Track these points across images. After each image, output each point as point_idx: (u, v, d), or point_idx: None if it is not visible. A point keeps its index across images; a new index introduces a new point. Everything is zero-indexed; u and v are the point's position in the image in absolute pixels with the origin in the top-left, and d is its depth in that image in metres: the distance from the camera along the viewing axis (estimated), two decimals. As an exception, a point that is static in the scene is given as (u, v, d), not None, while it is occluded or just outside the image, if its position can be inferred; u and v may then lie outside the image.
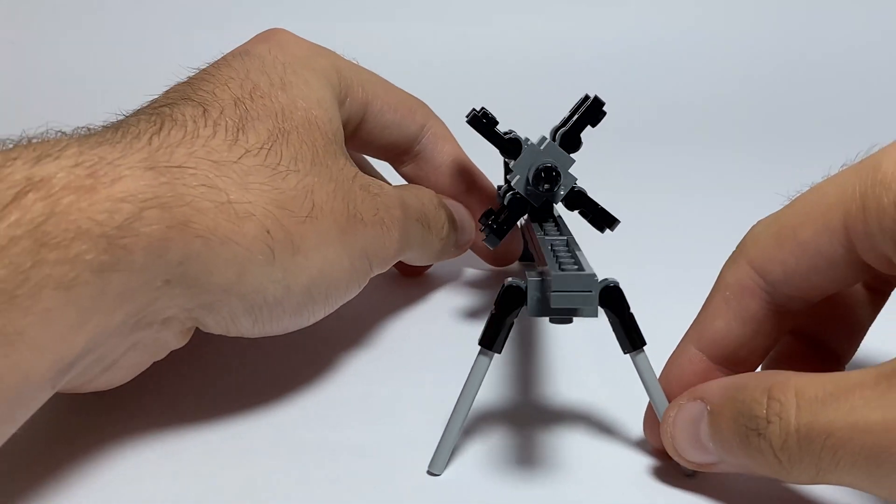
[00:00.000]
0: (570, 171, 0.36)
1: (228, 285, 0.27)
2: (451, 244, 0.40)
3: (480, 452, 0.29)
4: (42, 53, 0.92)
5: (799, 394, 0.26)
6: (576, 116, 0.36)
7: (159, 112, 0.29)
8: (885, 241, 0.25)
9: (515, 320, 0.28)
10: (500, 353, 0.28)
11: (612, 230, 0.38)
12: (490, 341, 0.28)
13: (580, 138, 0.36)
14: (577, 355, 0.36)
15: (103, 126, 0.28)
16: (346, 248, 0.30)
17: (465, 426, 0.30)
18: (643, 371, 0.28)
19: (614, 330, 0.28)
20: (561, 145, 0.36)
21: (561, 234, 0.34)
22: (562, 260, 0.28)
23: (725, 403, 0.27)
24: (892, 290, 0.32)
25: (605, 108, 0.36)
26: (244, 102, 0.30)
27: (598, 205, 0.37)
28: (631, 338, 0.28)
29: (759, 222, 0.30)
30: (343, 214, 0.30)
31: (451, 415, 0.28)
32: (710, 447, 0.27)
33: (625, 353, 0.28)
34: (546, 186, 0.35)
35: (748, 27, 0.96)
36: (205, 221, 0.26)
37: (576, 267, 0.27)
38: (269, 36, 0.35)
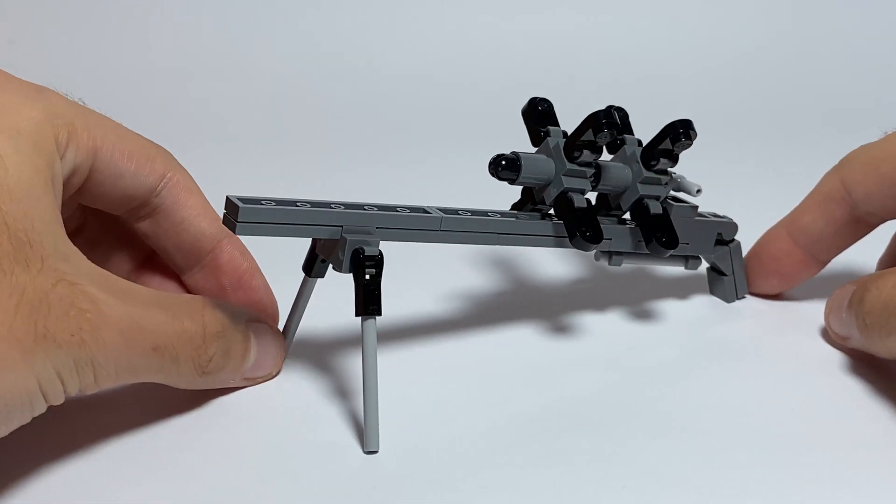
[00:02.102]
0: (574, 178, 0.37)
1: None
2: (228, 375, 0.34)
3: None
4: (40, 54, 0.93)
5: None
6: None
7: None
8: None
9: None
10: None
11: (585, 248, 0.37)
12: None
13: (581, 146, 0.36)
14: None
15: None
16: (31, 370, 0.26)
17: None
18: (365, 337, 0.31)
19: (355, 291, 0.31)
20: (564, 151, 0.37)
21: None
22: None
23: (862, 284, 0.36)
24: None
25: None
26: None
27: (581, 216, 0.36)
28: (362, 302, 0.31)
29: (859, 147, 0.39)
30: (28, 334, 0.26)
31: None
32: (844, 319, 0.36)
33: (356, 315, 0.31)
34: (492, 170, 0.36)
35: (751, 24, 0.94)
36: None
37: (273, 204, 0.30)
38: None
